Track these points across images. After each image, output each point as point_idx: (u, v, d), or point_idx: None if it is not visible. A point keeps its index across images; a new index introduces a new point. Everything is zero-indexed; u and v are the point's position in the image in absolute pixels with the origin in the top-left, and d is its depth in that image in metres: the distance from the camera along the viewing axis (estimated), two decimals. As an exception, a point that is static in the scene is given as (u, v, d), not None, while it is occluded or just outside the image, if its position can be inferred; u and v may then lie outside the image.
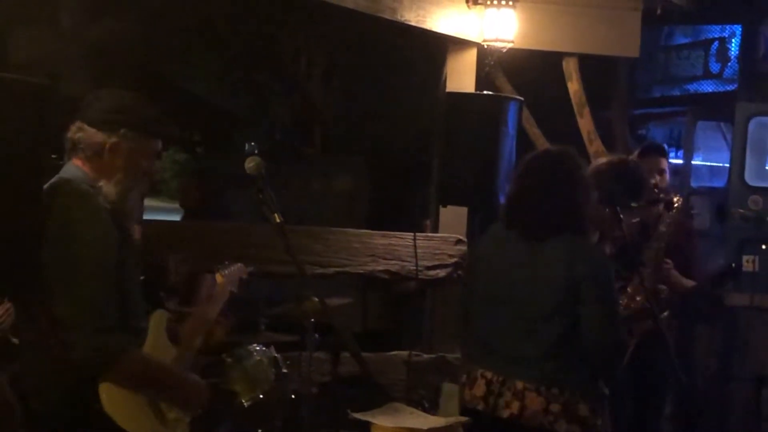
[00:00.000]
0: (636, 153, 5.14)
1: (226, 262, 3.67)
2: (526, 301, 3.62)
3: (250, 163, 3.41)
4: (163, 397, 3.10)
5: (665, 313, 4.41)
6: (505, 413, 3.58)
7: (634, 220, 4.34)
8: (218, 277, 3.59)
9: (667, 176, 5.19)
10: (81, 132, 3.09)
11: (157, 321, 3.17)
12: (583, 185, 3.73)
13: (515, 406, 3.57)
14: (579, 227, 3.68)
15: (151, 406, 3.06)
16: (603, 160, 4.65)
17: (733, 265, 4.50)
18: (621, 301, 4.31)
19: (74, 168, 3.10)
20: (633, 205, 4.50)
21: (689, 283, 4.93)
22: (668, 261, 4.77)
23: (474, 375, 3.70)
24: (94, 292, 2.92)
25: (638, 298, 4.40)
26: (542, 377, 3.57)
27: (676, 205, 4.80)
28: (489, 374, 3.65)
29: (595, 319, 3.56)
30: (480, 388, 3.66)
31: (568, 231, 3.64)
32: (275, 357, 4.24)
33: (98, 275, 2.94)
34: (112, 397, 2.95)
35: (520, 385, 3.58)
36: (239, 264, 3.69)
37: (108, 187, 3.08)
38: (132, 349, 3.00)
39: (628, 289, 4.47)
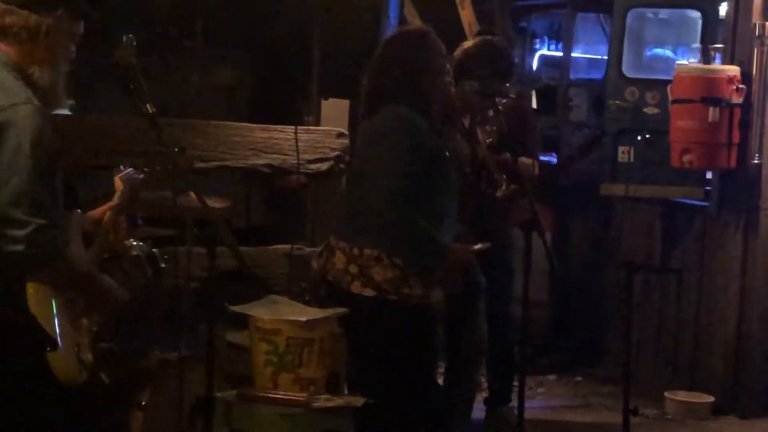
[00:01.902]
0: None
1: (122, 167, 3.62)
2: (359, 170, 3.87)
3: (120, 53, 3.31)
4: (88, 298, 3.10)
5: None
6: (317, 264, 3.87)
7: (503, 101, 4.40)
8: (117, 182, 3.56)
9: None
10: (11, 15, 2.96)
11: (75, 222, 3.13)
12: (421, 59, 3.79)
13: (323, 258, 3.85)
14: (411, 100, 3.75)
15: (67, 311, 3.04)
16: (468, 43, 4.68)
17: (598, 132, 4.59)
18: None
19: (2, 54, 2.97)
20: (511, 95, 4.57)
21: (534, 167, 5.04)
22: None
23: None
24: (39, 186, 2.86)
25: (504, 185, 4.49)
26: (346, 236, 3.79)
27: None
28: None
29: (375, 179, 3.72)
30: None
31: (400, 103, 3.73)
32: (153, 252, 4.20)
33: (45, 172, 2.87)
34: (37, 298, 2.93)
35: (333, 241, 3.84)
36: (132, 169, 3.64)
37: (42, 74, 2.99)
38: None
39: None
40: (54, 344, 2.94)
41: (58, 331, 2.98)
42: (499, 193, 4.53)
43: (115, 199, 3.54)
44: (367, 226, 3.76)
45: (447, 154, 3.86)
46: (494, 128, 4.79)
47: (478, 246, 3.86)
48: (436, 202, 3.80)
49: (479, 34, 5.35)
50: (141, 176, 3.64)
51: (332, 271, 3.83)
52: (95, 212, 3.51)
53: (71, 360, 3.02)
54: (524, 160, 5.01)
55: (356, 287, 3.77)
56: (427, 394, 3.90)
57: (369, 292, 3.76)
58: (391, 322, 3.78)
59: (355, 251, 3.76)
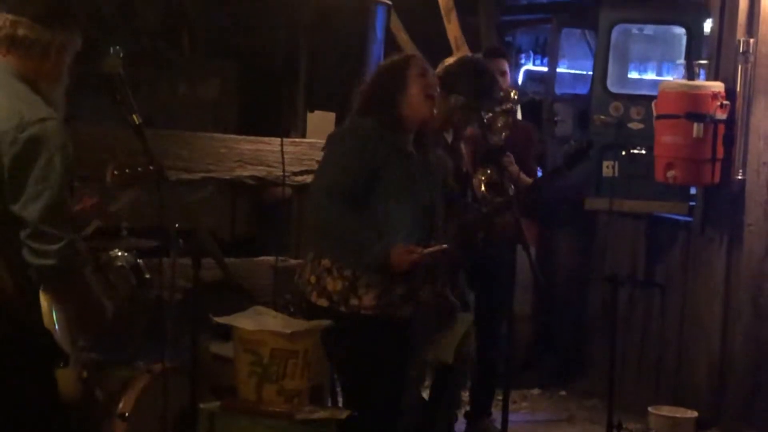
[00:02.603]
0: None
1: None
2: None
3: (107, 63, 3.32)
4: (89, 315, 3.10)
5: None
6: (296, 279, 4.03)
7: (488, 116, 4.45)
8: None
9: (509, 78, 5.34)
10: (24, 27, 2.95)
11: None
12: (400, 84, 3.89)
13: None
14: (382, 116, 3.85)
15: (68, 328, 3.04)
16: (450, 60, 4.71)
17: (585, 143, 4.60)
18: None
19: (11, 67, 2.96)
20: (497, 109, 4.61)
21: (526, 179, 5.12)
22: (509, 154, 4.94)
23: None
24: (68, 200, 2.90)
25: (483, 187, 4.53)
26: (312, 249, 3.92)
27: (512, 95, 4.93)
28: None
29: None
30: None
31: (370, 116, 3.86)
32: (137, 262, 4.20)
33: (69, 187, 2.91)
34: (48, 312, 2.94)
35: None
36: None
37: (49, 89, 2.99)
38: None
39: (476, 178, 4.61)
40: (66, 360, 2.95)
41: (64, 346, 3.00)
42: (484, 209, 4.55)
43: None
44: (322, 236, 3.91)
45: (407, 163, 3.90)
46: (504, 134, 4.89)
47: (429, 249, 3.83)
48: (384, 210, 3.85)
49: (488, 51, 5.44)
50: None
51: (301, 282, 3.95)
52: None
53: (75, 376, 3.02)
54: (524, 177, 5.10)
55: (314, 297, 3.88)
56: (396, 407, 3.91)
57: (323, 302, 3.86)
58: (345, 333, 3.83)
59: (315, 261, 3.89)
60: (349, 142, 3.87)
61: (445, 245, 3.88)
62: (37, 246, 2.83)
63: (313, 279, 3.88)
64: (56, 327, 2.98)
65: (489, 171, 4.62)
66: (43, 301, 2.95)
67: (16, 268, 2.87)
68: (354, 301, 3.82)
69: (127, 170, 3.75)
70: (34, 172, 2.85)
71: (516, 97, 5.06)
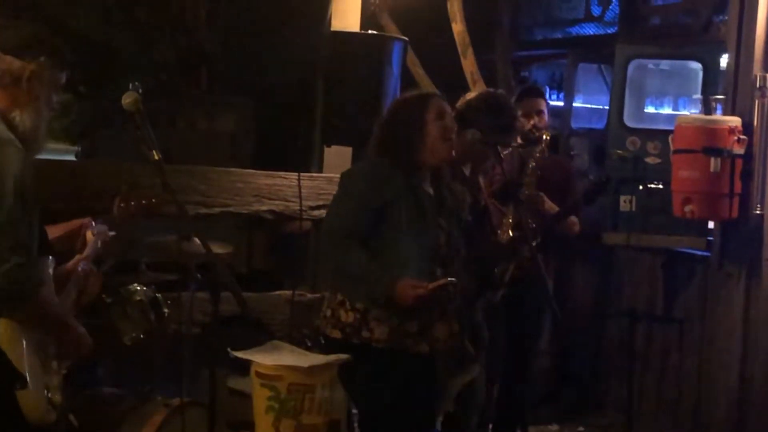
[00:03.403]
0: (515, 95, 5.26)
1: (93, 222, 3.64)
2: None
3: (127, 99, 3.35)
4: (56, 340, 3.09)
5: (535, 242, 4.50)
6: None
7: (505, 152, 4.44)
8: (89, 235, 3.58)
9: (546, 117, 5.32)
10: None
11: (47, 267, 3.14)
12: (415, 123, 3.92)
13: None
14: (397, 155, 3.88)
15: (37, 352, 3.03)
16: (471, 95, 4.73)
17: (604, 178, 4.62)
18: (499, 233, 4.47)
19: None
20: (514, 144, 4.62)
21: (577, 224, 5.11)
22: (541, 193, 4.93)
23: None
24: (20, 225, 2.87)
25: (510, 231, 4.53)
26: (329, 284, 4.00)
27: (545, 137, 4.94)
28: None
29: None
30: None
31: (385, 155, 3.90)
32: (156, 297, 4.21)
33: (25, 212, 2.89)
34: (8, 335, 2.93)
35: None
36: (105, 226, 3.67)
37: (23, 118, 3.01)
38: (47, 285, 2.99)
39: (504, 222, 4.61)
40: (24, 382, 2.94)
41: (27, 370, 2.98)
42: (502, 240, 4.55)
43: (86, 252, 3.56)
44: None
45: (419, 200, 3.91)
46: (535, 173, 4.90)
47: (434, 284, 3.80)
48: (393, 244, 3.85)
49: (525, 90, 5.45)
50: (113, 233, 3.67)
51: (320, 318, 4.00)
52: (68, 264, 3.52)
53: (41, 400, 3.02)
54: (571, 218, 5.09)
55: (329, 329, 3.91)
56: None
57: (336, 334, 3.88)
58: (358, 365, 3.83)
59: (332, 296, 3.94)
60: (362, 183, 3.89)
61: (452, 278, 3.84)
62: None
63: (328, 313, 3.92)
64: (23, 351, 2.97)
65: (515, 211, 4.61)
66: (1, 324, 2.93)
67: None
68: (365, 333, 3.83)
69: (132, 203, 3.78)
70: None
71: (548, 138, 5.04)
